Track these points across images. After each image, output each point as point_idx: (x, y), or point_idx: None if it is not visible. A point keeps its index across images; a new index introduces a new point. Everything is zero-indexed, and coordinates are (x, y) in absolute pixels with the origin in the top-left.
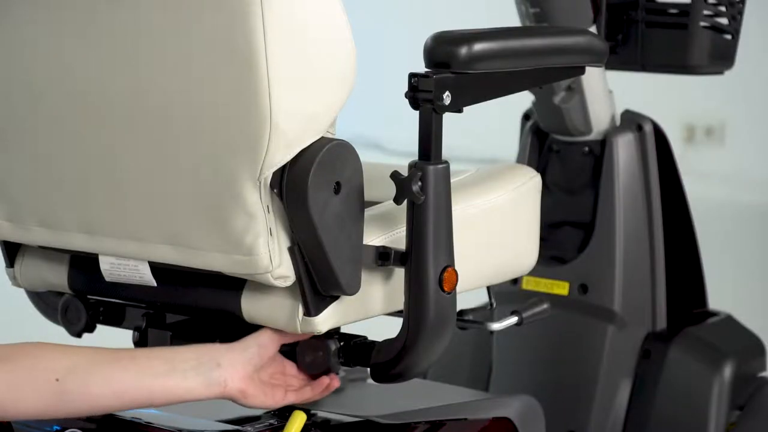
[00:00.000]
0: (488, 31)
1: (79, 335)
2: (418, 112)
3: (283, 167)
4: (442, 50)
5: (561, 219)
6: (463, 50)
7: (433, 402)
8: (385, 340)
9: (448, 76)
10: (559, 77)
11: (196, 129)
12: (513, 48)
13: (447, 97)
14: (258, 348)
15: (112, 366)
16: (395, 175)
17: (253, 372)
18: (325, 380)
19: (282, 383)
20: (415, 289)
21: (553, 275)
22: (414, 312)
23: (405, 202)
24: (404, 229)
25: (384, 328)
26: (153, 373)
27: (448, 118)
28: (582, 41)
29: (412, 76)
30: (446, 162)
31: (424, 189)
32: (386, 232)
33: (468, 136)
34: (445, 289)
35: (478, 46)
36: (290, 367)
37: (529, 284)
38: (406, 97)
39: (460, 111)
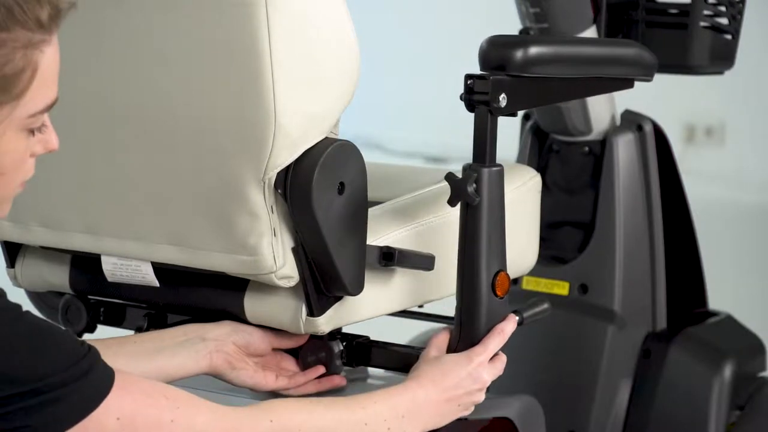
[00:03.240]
0: (542, 36)
1: (79, 335)
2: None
3: (288, 168)
4: (498, 53)
5: (561, 219)
6: (519, 53)
7: None
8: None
9: (504, 78)
10: (609, 88)
11: (200, 129)
12: (567, 54)
13: (503, 99)
14: (234, 324)
15: (103, 353)
16: (450, 177)
17: (237, 348)
18: (320, 368)
19: (275, 371)
20: (467, 293)
21: (553, 275)
22: (466, 317)
23: (408, 200)
24: (407, 229)
25: (386, 329)
26: (143, 355)
27: (448, 118)
28: (632, 53)
29: (468, 77)
30: (500, 165)
31: (478, 191)
32: (390, 232)
33: (468, 136)
34: (498, 293)
35: (534, 50)
36: (287, 362)
37: (529, 284)
38: (460, 99)
39: (514, 115)
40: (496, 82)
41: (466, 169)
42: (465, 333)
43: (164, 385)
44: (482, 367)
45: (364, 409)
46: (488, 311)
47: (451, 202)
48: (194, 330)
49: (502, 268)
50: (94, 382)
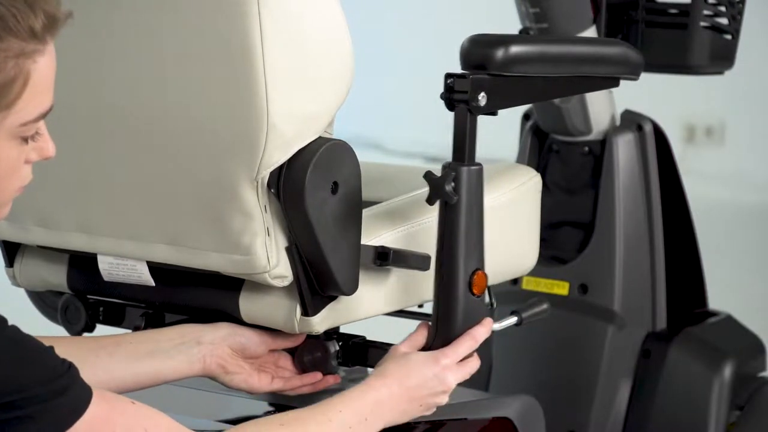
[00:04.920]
0: (524, 35)
1: (78, 335)
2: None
3: (281, 167)
4: (479, 52)
5: (561, 219)
6: (500, 52)
7: None
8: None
9: (484, 77)
10: (593, 87)
11: (193, 129)
12: (548, 53)
13: (483, 98)
14: (231, 327)
15: (97, 353)
16: (428, 175)
17: (232, 352)
18: (317, 374)
19: (272, 372)
20: (444, 291)
21: (553, 275)
22: (443, 315)
23: (409, 200)
24: (403, 229)
25: (384, 328)
26: (138, 356)
27: (448, 118)
28: (618, 52)
29: (448, 76)
30: (479, 164)
31: (457, 190)
32: (385, 232)
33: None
34: (475, 292)
35: (515, 49)
36: (284, 360)
37: (529, 284)
38: (441, 97)
39: (494, 114)
40: (476, 81)
41: (446, 167)
42: (441, 331)
43: (147, 411)
44: (449, 369)
45: (330, 421)
46: (465, 309)
47: (430, 201)
48: (191, 332)
49: (480, 266)
50: (72, 400)
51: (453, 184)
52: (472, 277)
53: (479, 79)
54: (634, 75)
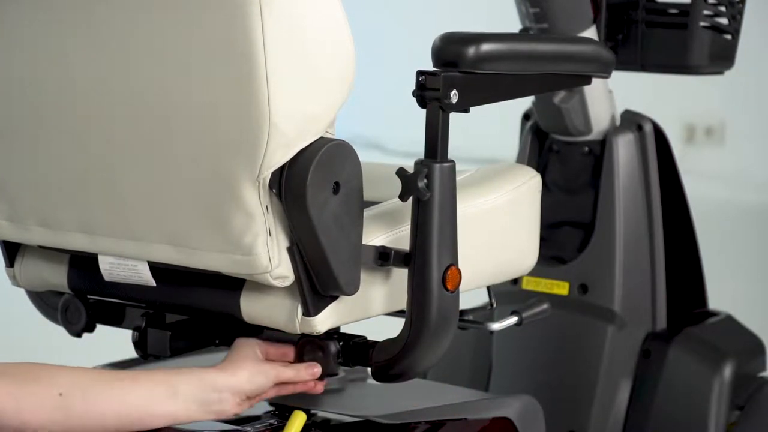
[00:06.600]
0: (496, 33)
1: (78, 335)
2: (423, 111)
3: (282, 167)
4: (450, 49)
5: (561, 219)
6: (471, 50)
7: (433, 402)
8: (386, 339)
9: (456, 75)
10: (566, 85)
11: (194, 129)
12: (520, 51)
13: (454, 96)
14: (250, 372)
15: (114, 386)
16: (401, 172)
17: (246, 396)
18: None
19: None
20: (418, 287)
21: (553, 275)
22: (416, 310)
23: (409, 200)
24: (404, 229)
25: (384, 328)
26: (156, 398)
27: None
28: (589, 50)
29: (419, 74)
30: (452, 161)
31: (429, 186)
32: (386, 232)
33: (468, 136)
34: (448, 287)
35: (486, 47)
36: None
37: (529, 284)
38: (413, 95)
39: (467, 111)
40: (447, 78)
41: (418, 164)
42: (415, 327)
43: None
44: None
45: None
46: (438, 305)
47: (402, 197)
48: (208, 379)
49: (454, 262)
50: None
51: (425, 180)
52: (446, 272)
53: (451, 76)
54: (605, 73)
